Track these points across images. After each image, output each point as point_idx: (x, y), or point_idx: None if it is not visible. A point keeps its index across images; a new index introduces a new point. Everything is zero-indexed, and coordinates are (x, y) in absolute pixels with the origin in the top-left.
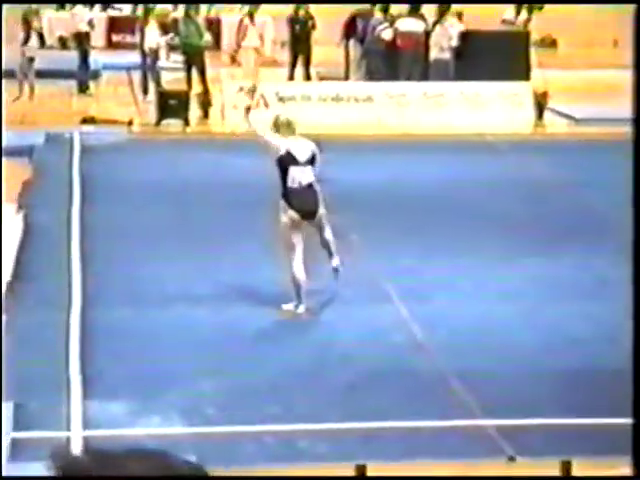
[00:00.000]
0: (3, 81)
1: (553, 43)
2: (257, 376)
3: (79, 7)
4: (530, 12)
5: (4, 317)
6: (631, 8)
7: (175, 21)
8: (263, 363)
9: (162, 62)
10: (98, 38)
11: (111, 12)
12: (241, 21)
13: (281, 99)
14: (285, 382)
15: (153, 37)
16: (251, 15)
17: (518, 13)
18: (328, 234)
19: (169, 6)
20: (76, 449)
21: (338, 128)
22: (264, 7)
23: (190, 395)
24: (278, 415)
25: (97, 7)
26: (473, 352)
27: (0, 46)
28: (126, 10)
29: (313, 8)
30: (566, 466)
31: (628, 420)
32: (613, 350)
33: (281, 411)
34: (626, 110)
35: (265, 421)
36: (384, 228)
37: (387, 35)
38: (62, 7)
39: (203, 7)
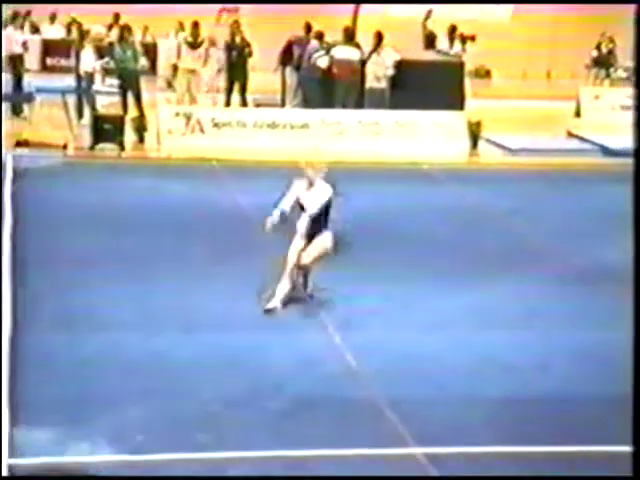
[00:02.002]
0: None
1: (487, 74)
2: (187, 403)
3: (10, 29)
4: (464, 43)
5: None
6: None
7: (111, 45)
8: (194, 390)
9: (97, 86)
10: (32, 61)
11: (45, 35)
12: (178, 44)
13: (217, 125)
14: (216, 409)
15: (88, 61)
16: (194, 40)
17: (452, 43)
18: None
19: (104, 30)
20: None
21: (274, 155)
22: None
23: (119, 422)
24: (208, 443)
25: (27, 30)
26: (406, 380)
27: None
28: (61, 33)
29: (250, 35)
30: None
31: (557, 448)
32: (543, 378)
33: (211, 439)
34: (559, 141)
35: (195, 449)
36: None
37: (323, 63)
38: None
39: (138, 31)
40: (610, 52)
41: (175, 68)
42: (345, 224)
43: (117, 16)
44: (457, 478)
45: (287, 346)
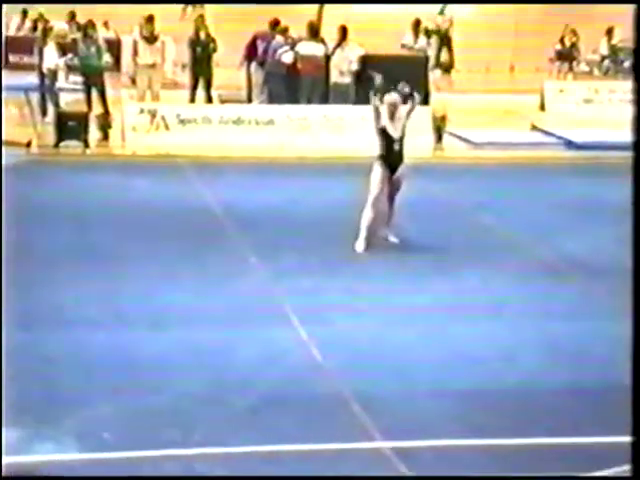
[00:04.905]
0: None
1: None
2: (155, 400)
3: None
4: (428, 37)
5: None
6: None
7: (74, 42)
8: (161, 387)
9: (61, 83)
10: None
11: (8, 32)
12: (135, 41)
13: (182, 121)
14: (184, 406)
15: (52, 58)
16: (150, 34)
17: (416, 38)
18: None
19: (67, 27)
20: None
21: (240, 151)
22: (163, 28)
23: (86, 420)
24: (176, 440)
25: None
26: (373, 374)
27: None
28: (23, 30)
29: (214, 31)
30: None
31: (527, 440)
32: (511, 370)
33: (180, 436)
34: (523, 135)
35: (163, 446)
36: (284, 250)
37: (288, 58)
38: None
39: (102, 28)
40: (573, 45)
41: (136, 64)
42: (310, 218)
43: (73, 13)
44: (434, 478)
45: (253, 341)
